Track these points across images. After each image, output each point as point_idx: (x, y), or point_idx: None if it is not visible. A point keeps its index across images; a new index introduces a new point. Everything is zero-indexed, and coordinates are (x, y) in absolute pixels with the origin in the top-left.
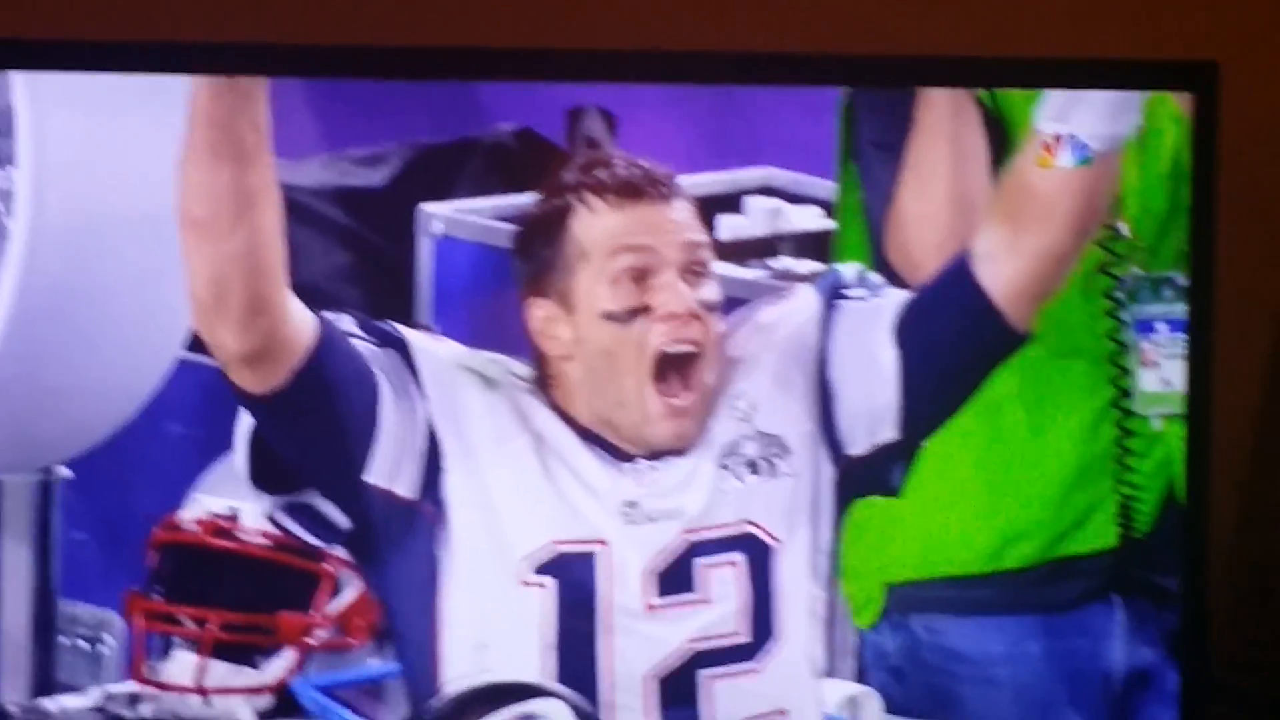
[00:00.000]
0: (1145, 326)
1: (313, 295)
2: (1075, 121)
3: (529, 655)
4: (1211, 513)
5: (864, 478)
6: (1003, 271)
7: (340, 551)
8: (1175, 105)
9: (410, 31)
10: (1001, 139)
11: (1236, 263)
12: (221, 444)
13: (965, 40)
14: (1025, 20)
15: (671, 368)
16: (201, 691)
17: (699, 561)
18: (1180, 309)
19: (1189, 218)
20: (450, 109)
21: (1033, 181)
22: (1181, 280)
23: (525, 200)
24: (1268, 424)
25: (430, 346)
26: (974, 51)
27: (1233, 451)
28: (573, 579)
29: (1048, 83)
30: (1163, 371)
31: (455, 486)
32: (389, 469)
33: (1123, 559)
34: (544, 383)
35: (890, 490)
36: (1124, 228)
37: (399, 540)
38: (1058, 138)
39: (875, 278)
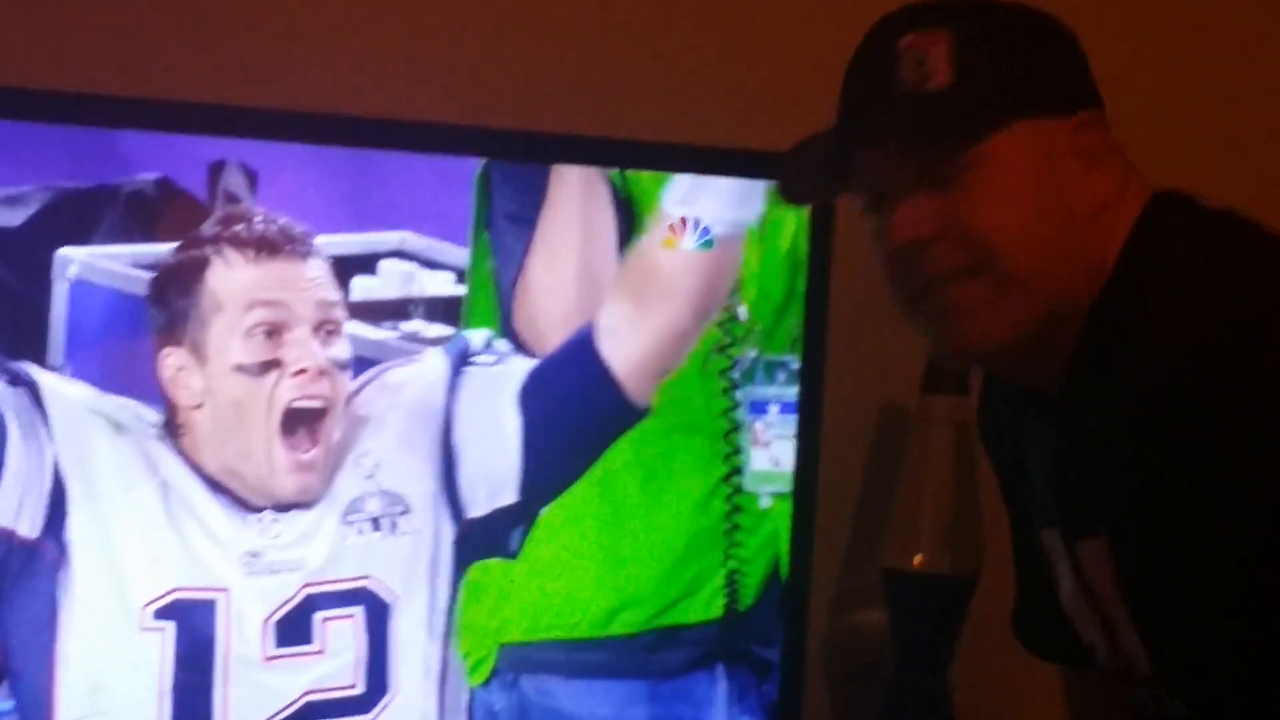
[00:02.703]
0: (758, 407)
1: None
2: (700, 206)
3: (145, 700)
4: (812, 589)
5: (483, 539)
6: (625, 346)
7: None
8: None
9: (54, 74)
10: (629, 218)
11: (846, 351)
12: None
13: (598, 120)
14: (657, 105)
15: (299, 422)
16: None
17: (318, 614)
18: (792, 392)
19: (804, 305)
20: (91, 154)
21: (657, 261)
22: (794, 364)
23: (163, 250)
24: (866, 507)
25: (61, 389)
26: (606, 132)
27: (834, 531)
28: (192, 626)
29: (676, 167)
30: (773, 451)
31: (78, 529)
32: (12, 508)
33: (727, 630)
34: (174, 430)
35: (508, 553)
36: (743, 311)
37: (19, 579)
38: (683, 220)
39: (502, 345)
